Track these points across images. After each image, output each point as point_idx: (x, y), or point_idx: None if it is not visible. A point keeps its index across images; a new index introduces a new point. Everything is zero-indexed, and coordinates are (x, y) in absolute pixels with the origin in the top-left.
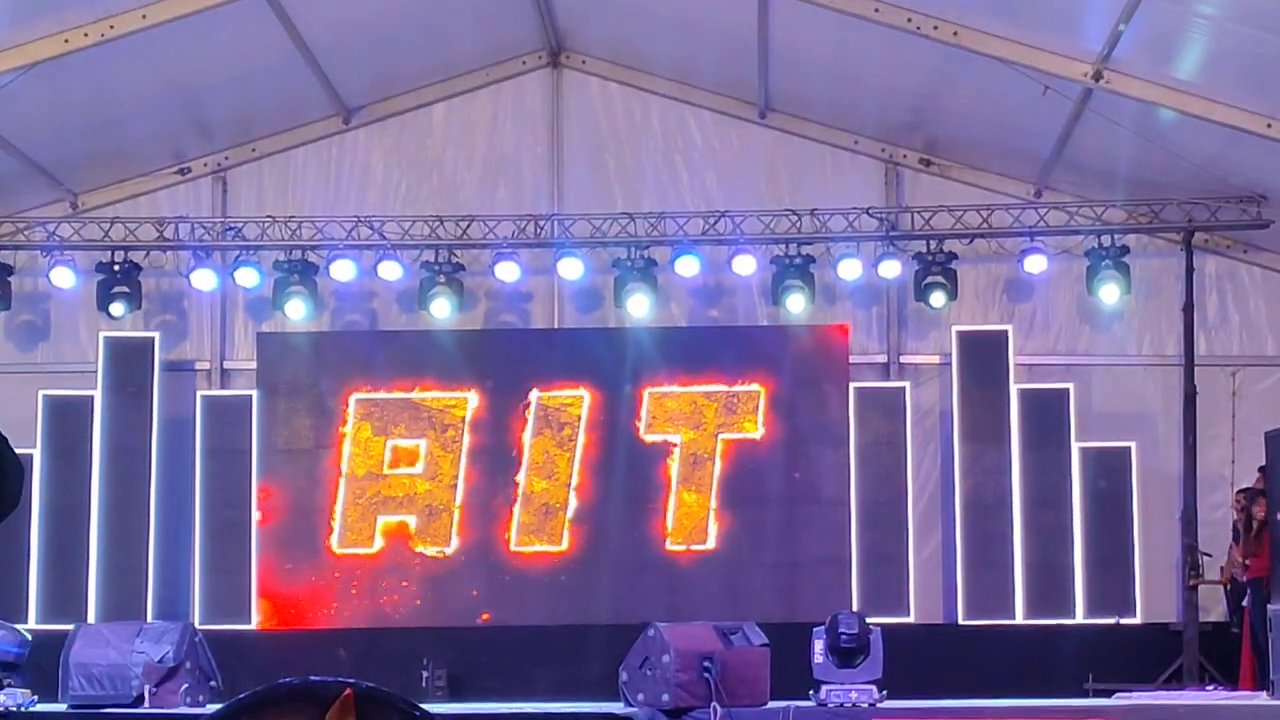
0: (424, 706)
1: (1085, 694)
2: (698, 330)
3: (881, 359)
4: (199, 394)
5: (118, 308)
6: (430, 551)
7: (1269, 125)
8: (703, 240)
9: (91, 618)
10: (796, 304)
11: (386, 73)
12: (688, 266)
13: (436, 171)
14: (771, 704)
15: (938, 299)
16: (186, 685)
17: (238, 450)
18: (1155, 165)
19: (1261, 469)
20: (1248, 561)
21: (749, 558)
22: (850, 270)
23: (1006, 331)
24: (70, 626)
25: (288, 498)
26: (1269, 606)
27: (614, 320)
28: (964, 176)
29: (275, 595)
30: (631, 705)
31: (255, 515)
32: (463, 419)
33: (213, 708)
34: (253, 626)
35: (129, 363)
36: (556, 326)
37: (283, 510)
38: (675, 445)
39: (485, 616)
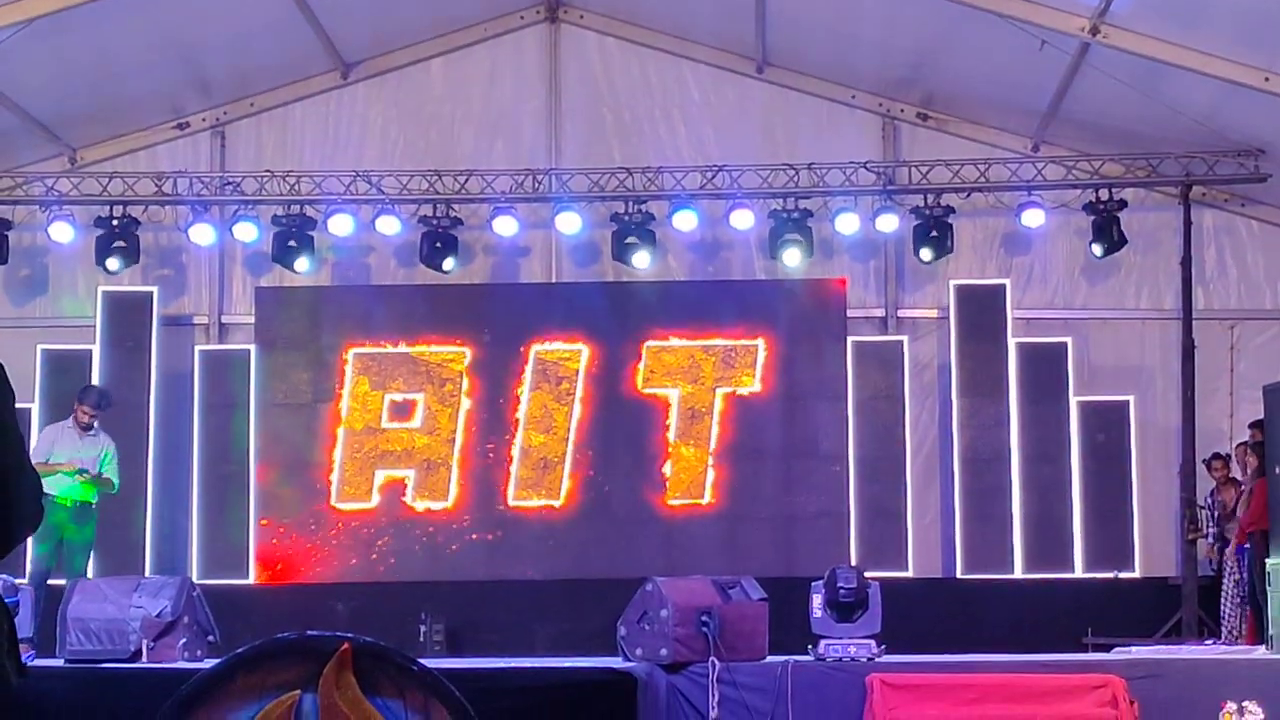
0: (422, 661)
1: (1084, 648)
2: (696, 284)
3: (879, 313)
4: (197, 348)
5: (115, 262)
6: (428, 506)
7: (1266, 79)
8: (700, 195)
9: (89, 572)
10: (794, 258)
11: (385, 28)
12: (685, 221)
13: (434, 126)
14: (770, 658)
15: (935, 253)
16: (184, 640)
17: (236, 405)
18: (1153, 119)
19: (1255, 424)
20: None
21: (747, 512)
22: (848, 224)
23: (1004, 285)
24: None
25: (285, 452)
26: (1268, 561)
27: (612, 274)
28: (961, 131)
29: (273, 550)
30: (629, 659)
31: (253, 469)
32: (460, 373)
33: (211, 662)
34: (250, 581)
35: (127, 317)
36: (554, 281)
37: (280, 465)
38: (673, 399)
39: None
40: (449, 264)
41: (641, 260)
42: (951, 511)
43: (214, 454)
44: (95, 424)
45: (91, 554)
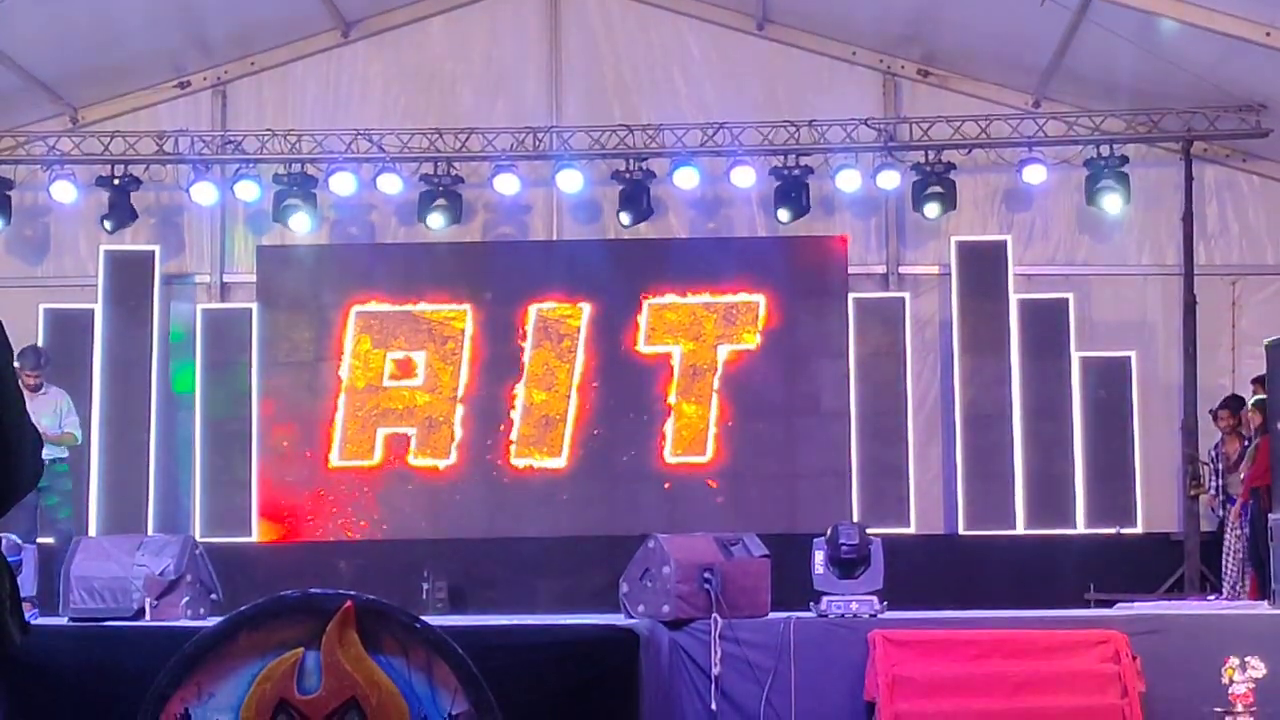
0: (424, 619)
1: (1086, 604)
2: (697, 242)
3: (880, 270)
4: (199, 307)
5: (117, 221)
6: (430, 464)
7: (1268, 34)
8: (701, 152)
9: (92, 531)
10: (787, 216)
11: None
12: (686, 178)
13: (435, 84)
14: (772, 615)
15: (936, 209)
16: (188, 598)
17: (238, 363)
18: (1154, 75)
19: (1257, 380)
20: (1244, 475)
21: (749, 469)
22: (849, 181)
23: (1005, 241)
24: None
25: (287, 410)
26: (1270, 515)
27: (613, 232)
28: (962, 87)
29: (276, 508)
30: (632, 616)
31: (255, 428)
32: (462, 331)
33: (214, 620)
34: (253, 539)
35: (129, 276)
36: (556, 239)
37: (283, 423)
38: (674, 356)
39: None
40: (436, 220)
41: (624, 217)
42: (953, 468)
43: (216, 413)
44: (43, 383)
45: (73, 507)
